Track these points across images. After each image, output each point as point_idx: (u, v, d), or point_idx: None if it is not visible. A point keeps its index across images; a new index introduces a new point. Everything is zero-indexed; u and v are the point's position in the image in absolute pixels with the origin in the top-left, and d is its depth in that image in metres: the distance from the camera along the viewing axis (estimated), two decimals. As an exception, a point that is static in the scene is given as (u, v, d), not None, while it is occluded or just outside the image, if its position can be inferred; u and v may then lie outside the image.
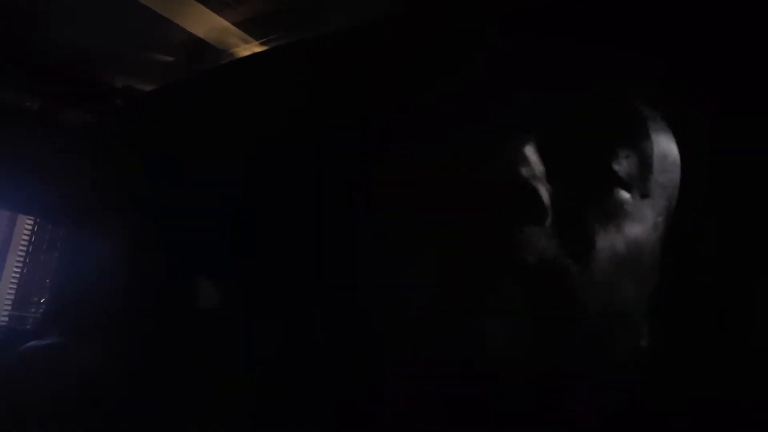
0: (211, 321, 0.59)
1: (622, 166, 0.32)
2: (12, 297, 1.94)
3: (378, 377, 0.35)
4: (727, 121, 0.36)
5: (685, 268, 0.37)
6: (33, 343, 0.66)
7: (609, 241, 0.30)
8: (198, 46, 1.34)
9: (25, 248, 1.98)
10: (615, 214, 0.31)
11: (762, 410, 0.34)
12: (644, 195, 0.33)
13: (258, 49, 1.32)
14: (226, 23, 1.29)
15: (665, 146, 0.35)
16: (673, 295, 0.36)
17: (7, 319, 1.91)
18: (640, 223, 0.32)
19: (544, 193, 0.29)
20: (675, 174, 0.35)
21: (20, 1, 1.09)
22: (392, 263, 0.32)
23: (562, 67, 0.34)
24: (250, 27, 1.30)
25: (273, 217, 0.52)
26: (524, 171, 0.29)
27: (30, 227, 1.98)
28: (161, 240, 0.63)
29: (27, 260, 1.99)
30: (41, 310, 1.81)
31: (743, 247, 0.38)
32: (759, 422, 0.34)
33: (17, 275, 1.96)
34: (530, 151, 0.30)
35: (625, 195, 0.32)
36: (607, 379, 0.32)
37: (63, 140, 0.74)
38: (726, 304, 0.38)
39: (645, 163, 0.33)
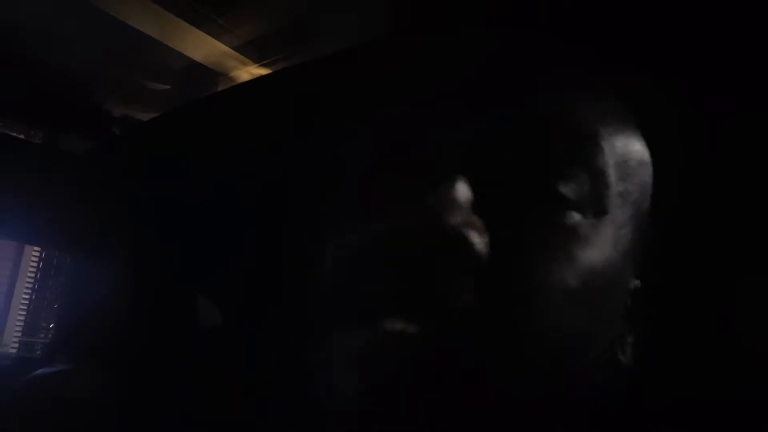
0: (216, 342, 0.60)
1: (570, 186, 0.28)
2: (22, 323, 1.95)
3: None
4: (690, 115, 0.34)
5: (662, 276, 0.34)
6: (41, 370, 0.67)
7: (558, 273, 0.27)
8: (197, 70, 1.35)
9: (33, 274, 1.99)
10: (564, 240, 0.27)
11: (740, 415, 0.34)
12: (601, 212, 0.29)
13: (257, 71, 1.34)
14: (224, 47, 1.30)
15: (623, 150, 0.31)
16: (651, 311, 0.34)
17: (17, 345, 1.92)
18: (599, 244, 0.28)
19: (477, 238, 0.26)
20: (640, 177, 0.32)
21: (17, 30, 1.11)
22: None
23: (491, 87, 0.30)
24: (249, 50, 1.31)
25: (275, 242, 0.53)
26: (452, 217, 0.26)
27: (38, 252, 1.99)
28: (164, 264, 0.63)
29: (36, 286, 2.00)
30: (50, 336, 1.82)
31: (722, 246, 0.36)
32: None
33: (26, 301, 1.97)
34: (460, 189, 0.27)
35: (576, 218, 0.28)
36: (571, 414, 0.30)
37: (64, 170, 0.75)
38: (709, 312, 0.37)
39: (598, 175, 0.29)
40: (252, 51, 1.31)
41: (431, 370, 0.25)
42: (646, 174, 0.32)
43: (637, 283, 0.33)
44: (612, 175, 0.29)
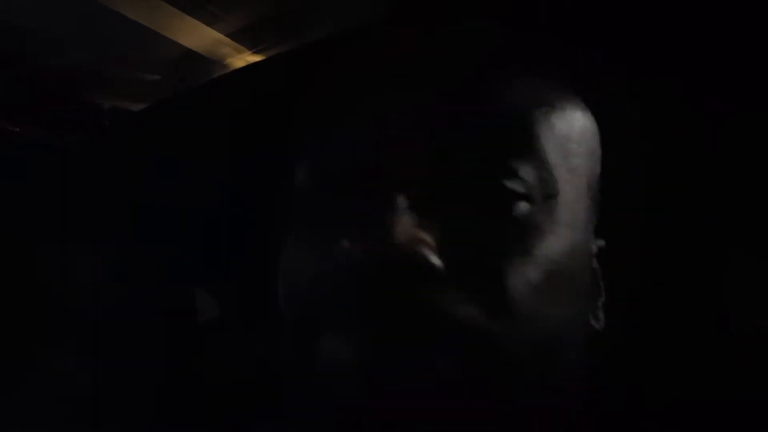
0: (209, 341, 0.59)
1: (515, 179, 0.28)
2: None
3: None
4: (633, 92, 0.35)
5: (635, 244, 0.36)
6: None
7: (522, 266, 0.27)
8: (191, 59, 1.34)
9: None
10: (521, 232, 0.28)
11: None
12: (550, 195, 0.29)
13: (251, 58, 1.32)
14: (217, 34, 1.28)
15: (563, 128, 0.31)
16: (631, 280, 0.35)
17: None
18: (554, 227, 0.29)
19: (431, 252, 0.26)
20: (586, 147, 0.33)
21: (6, 22, 1.10)
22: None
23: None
24: (242, 37, 1.29)
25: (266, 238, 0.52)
26: (402, 234, 0.26)
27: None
28: (151, 260, 0.63)
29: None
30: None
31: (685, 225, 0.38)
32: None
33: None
34: (401, 207, 0.27)
35: (527, 208, 0.28)
36: (564, 403, 0.30)
37: (57, 163, 0.74)
38: (689, 282, 0.38)
39: (540, 161, 0.29)
40: (246, 38, 1.29)
41: (404, 379, 0.25)
42: (593, 142, 0.33)
43: (600, 242, 0.34)
44: (554, 156, 0.30)
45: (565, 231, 0.30)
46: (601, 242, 0.34)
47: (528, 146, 0.29)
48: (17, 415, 0.55)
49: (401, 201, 0.27)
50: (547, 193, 0.29)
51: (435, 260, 0.26)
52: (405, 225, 0.27)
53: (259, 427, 0.42)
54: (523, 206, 0.28)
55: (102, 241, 0.62)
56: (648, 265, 0.37)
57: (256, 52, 1.35)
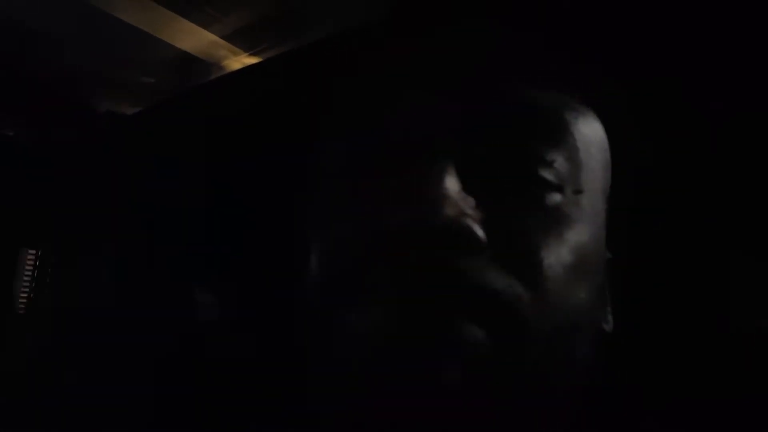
0: (216, 338, 0.59)
1: (551, 170, 0.30)
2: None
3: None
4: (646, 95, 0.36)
5: (636, 245, 0.37)
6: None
7: (554, 250, 0.29)
8: (187, 61, 1.33)
9: (30, 275, 1.97)
10: (553, 220, 0.29)
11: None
12: (578, 190, 0.31)
13: (248, 60, 1.32)
14: (213, 37, 1.28)
15: (587, 132, 0.33)
16: (631, 280, 0.35)
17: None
18: (581, 218, 0.31)
19: (475, 227, 0.27)
20: (602, 156, 0.34)
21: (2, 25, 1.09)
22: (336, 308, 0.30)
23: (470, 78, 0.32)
24: (239, 39, 1.29)
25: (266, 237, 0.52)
26: (448, 208, 0.27)
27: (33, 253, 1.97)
28: (154, 257, 0.62)
29: (33, 285, 1.98)
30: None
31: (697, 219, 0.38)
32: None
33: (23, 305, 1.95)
34: (450, 181, 0.28)
35: (557, 198, 0.30)
36: (572, 390, 0.30)
37: (55, 165, 0.74)
38: (689, 283, 0.38)
39: (572, 157, 0.31)
40: (242, 40, 1.29)
41: (435, 354, 0.26)
42: (606, 153, 0.35)
43: (607, 254, 0.35)
44: (582, 156, 0.32)
45: (590, 226, 0.31)
46: (609, 255, 0.35)
47: (564, 142, 0.31)
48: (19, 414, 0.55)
49: (447, 177, 0.28)
50: (575, 188, 0.31)
51: (478, 231, 0.27)
52: (451, 199, 0.27)
53: (259, 427, 0.41)
54: (555, 196, 0.30)
55: (102, 241, 0.62)
56: (648, 265, 0.38)
57: (253, 54, 1.35)
